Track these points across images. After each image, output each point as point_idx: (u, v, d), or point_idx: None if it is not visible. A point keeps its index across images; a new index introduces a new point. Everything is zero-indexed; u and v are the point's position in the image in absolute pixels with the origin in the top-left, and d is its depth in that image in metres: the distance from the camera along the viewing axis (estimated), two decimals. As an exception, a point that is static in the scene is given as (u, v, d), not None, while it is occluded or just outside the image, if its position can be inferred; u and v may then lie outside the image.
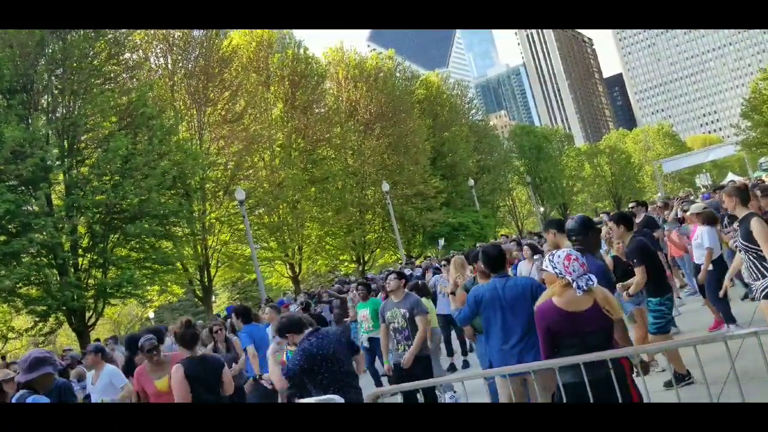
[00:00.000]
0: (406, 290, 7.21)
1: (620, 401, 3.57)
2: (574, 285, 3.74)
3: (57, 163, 23.06)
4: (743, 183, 7.50)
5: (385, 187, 31.62)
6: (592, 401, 3.53)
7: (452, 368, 10.15)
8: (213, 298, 31.88)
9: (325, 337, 4.96)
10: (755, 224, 5.21)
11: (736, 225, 5.63)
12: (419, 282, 9.50)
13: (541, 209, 57.69)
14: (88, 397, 6.71)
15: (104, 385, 7.02)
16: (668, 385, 6.18)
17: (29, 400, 4.11)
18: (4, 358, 16.39)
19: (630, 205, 13.16)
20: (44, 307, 22.34)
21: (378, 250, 38.73)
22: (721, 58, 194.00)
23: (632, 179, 76.29)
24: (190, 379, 5.22)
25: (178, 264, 26.73)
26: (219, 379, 5.48)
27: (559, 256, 3.84)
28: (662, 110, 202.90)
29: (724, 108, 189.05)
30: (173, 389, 5.26)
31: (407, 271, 17.44)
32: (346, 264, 37.86)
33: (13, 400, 4.22)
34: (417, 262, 24.72)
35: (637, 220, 10.72)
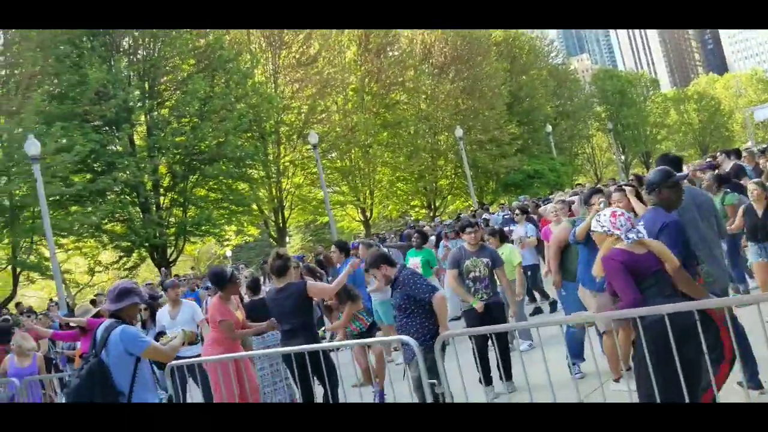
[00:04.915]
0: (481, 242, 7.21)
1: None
2: (623, 238, 3.93)
3: (138, 104, 23.74)
4: None
5: (459, 132, 30.99)
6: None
7: (537, 311, 10.14)
8: (287, 239, 32.59)
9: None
10: None
11: None
12: (499, 228, 9.33)
13: (622, 157, 55.59)
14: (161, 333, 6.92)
15: (187, 318, 7.45)
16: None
17: (118, 330, 4.22)
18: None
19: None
20: (128, 243, 23.45)
21: (449, 196, 38.37)
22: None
23: (721, 127, 72.18)
24: (271, 306, 5.92)
25: (254, 205, 27.38)
26: (300, 301, 5.81)
27: (605, 215, 4.06)
28: (756, 54, 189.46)
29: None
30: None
31: (487, 215, 17.19)
32: (416, 209, 37.79)
33: (101, 329, 4.35)
34: (491, 209, 24.27)
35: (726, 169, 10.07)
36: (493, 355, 5.99)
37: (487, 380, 6.13)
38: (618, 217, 4.01)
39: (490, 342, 6.97)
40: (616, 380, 5.54)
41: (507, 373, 6.29)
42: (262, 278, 11.86)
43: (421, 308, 4.98)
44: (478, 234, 6.92)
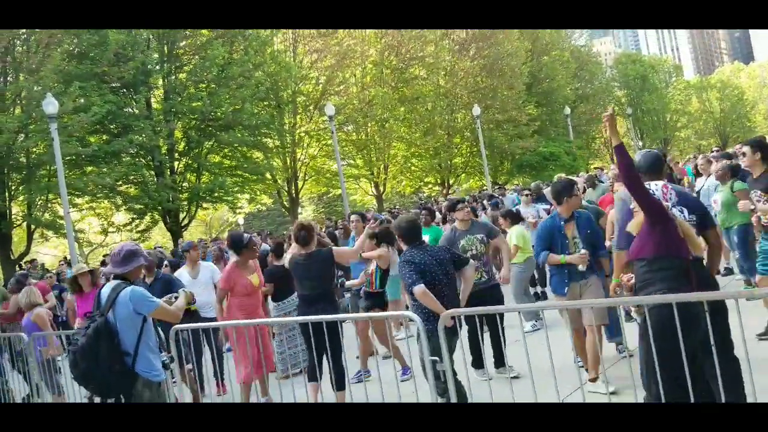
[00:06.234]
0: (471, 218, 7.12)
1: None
2: (673, 210, 4.02)
3: (156, 67, 23.69)
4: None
5: (476, 110, 30.74)
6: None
7: (536, 296, 10.06)
8: (299, 209, 32.68)
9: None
10: None
11: None
12: (513, 209, 9.32)
13: (640, 143, 54.92)
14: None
15: (207, 279, 7.60)
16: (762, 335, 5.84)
17: (127, 290, 4.26)
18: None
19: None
20: (141, 206, 23.59)
21: (463, 174, 38.19)
22: None
23: (742, 117, 70.91)
24: (295, 271, 5.96)
25: (267, 174, 27.42)
26: (326, 267, 5.90)
27: (656, 185, 4.11)
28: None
29: None
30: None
31: (497, 195, 17.09)
32: (430, 186, 37.68)
33: (107, 289, 4.38)
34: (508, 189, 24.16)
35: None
36: (486, 338, 5.99)
37: (479, 363, 6.01)
38: (670, 190, 4.11)
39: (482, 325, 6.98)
40: (593, 380, 5.34)
41: (499, 360, 6.24)
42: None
43: None
44: (468, 211, 6.77)
